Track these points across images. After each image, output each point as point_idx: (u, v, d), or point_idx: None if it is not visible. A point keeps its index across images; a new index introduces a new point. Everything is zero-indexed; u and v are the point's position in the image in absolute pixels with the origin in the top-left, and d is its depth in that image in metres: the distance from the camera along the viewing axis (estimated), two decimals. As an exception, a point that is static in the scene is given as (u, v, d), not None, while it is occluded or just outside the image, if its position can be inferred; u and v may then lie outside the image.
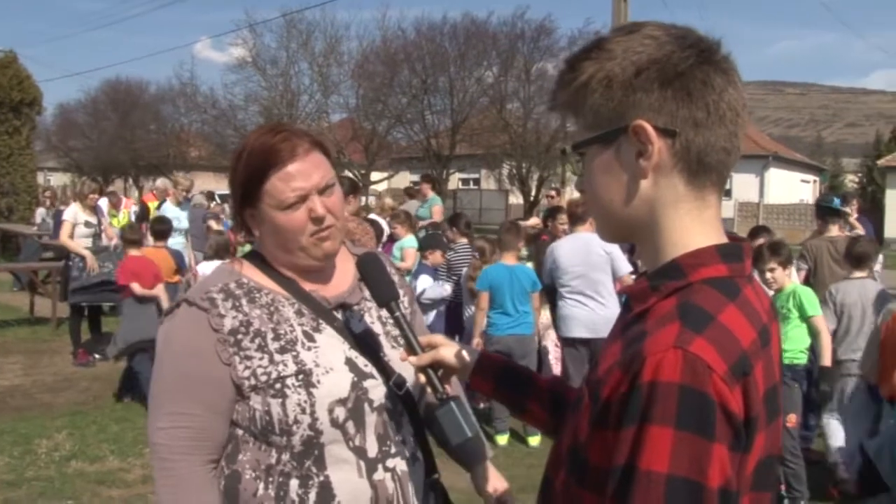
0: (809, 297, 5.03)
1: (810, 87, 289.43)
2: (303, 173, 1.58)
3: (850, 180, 53.94)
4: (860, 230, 8.21)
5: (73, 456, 5.60)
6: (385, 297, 1.61)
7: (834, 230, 7.05)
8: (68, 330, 8.69)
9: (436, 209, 10.33)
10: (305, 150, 1.60)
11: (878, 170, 35.15)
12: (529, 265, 6.87)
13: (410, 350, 1.54)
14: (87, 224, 8.59)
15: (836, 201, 7.28)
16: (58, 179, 43.48)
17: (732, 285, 1.05)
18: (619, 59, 1.05)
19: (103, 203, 12.06)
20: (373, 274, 1.65)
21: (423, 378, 1.53)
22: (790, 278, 5.18)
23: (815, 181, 43.80)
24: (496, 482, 1.85)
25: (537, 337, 6.65)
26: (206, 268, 7.18)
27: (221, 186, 26.26)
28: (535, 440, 6.04)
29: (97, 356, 8.44)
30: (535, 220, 10.15)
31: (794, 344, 4.96)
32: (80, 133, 39.86)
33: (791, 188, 37.90)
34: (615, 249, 5.84)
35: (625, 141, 1.06)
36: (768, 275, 4.97)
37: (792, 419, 4.80)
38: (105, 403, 6.97)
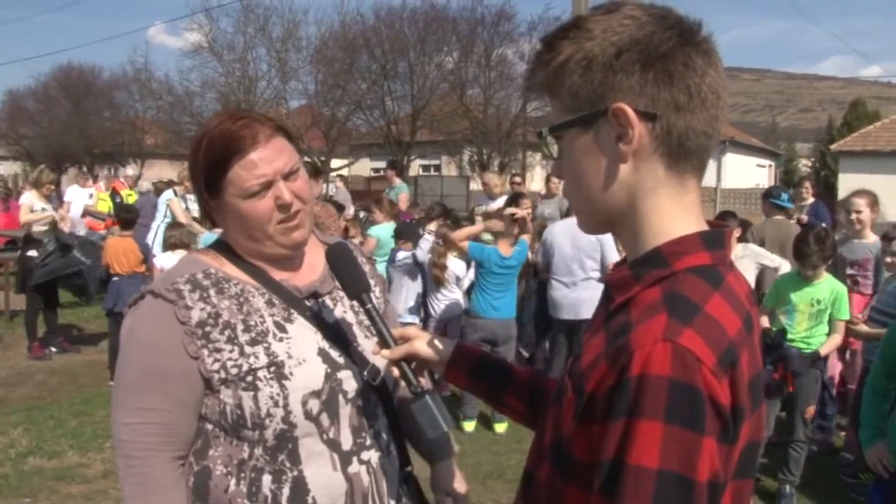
0: (847, 303, 4.89)
1: (765, 73, 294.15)
2: (265, 160, 1.52)
3: (804, 165, 54.91)
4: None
5: (29, 452, 5.46)
6: (355, 289, 1.56)
7: (780, 214, 7.27)
8: (23, 322, 8.49)
9: (402, 197, 10.29)
10: (267, 136, 1.54)
11: (830, 154, 35.80)
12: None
13: (383, 343, 1.50)
14: (44, 211, 8.42)
15: (785, 197, 7.45)
16: (7, 168, 42.51)
17: (716, 274, 1.03)
18: (598, 40, 1.02)
19: (72, 191, 11.89)
20: (342, 265, 1.59)
21: (396, 372, 1.49)
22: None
23: (770, 166, 44.57)
24: (460, 483, 1.87)
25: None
26: (164, 260, 7.07)
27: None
28: (501, 427, 6.06)
29: (53, 349, 8.27)
30: (495, 205, 10.09)
31: (821, 337, 4.88)
32: (31, 120, 38.95)
33: (747, 173, 38.50)
34: (606, 236, 5.92)
35: (604, 124, 1.03)
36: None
37: (810, 411, 4.85)
38: (62, 397, 6.80)
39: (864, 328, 5.00)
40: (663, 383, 0.90)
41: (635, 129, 1.01)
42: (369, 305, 1.53)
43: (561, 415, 1.05)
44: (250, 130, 1.53)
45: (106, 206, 11.52)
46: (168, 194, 9.28)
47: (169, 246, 7.21)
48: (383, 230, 7.49)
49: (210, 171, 1.53)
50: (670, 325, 0.93)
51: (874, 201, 5.63)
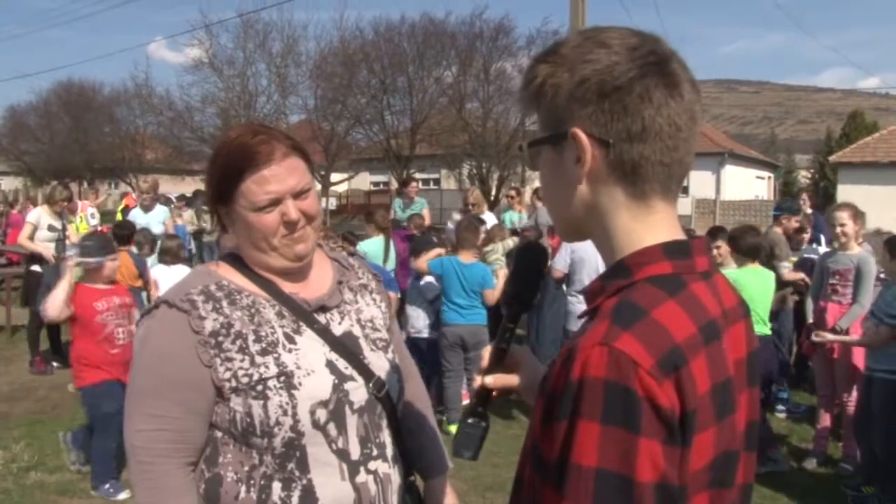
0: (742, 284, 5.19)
1: (763, 86, 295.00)
2: (277, 177, 1.57)
3: (803, 176, 55.08)
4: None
5: (31, 467, 5.47)
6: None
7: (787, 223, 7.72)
8: (26, 337, 8.49)
9: (426, 212, 10.33)
10: (283, 154, 1.59)
11: (829, 166, 35.88)
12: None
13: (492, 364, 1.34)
14: (51, 228, 8.40)
15: (775, 212, 8.17)
16: (9, 184, 42.62)
17: (676, 282, 1.06)
18: (567, 66, 1.07)
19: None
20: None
21: (481, 388, 1.35)
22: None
23: (769, 177, 44.65)
24: (451, 500, 1.91)
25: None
26: (160, 272, 7.11)
27: (179, 189, 25.93)
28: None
29: (55, 364, 8.27)
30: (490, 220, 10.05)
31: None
32: (32, 136, 39.16)
33: (746, 185, 38.57)
34: None
35: (567, 146, 1.09)
36: (714, 251, 5.55)
37: None
38: (64, 412, 6.82)
39: (855, 337, 5.07)
40: (599, 384, 0.94)
41: (587, 153, 1.06)
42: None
43: (534, 417, 1.09)
44: (267, 147, 1.58)
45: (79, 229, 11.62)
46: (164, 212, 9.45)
47: (162, 259, 7.26)
48: (372, 244, 7.57)
49: (224, 179, 1.59)
50: (610, 330, 0.98)
51: (857, 213, 5.69)
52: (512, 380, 1.36)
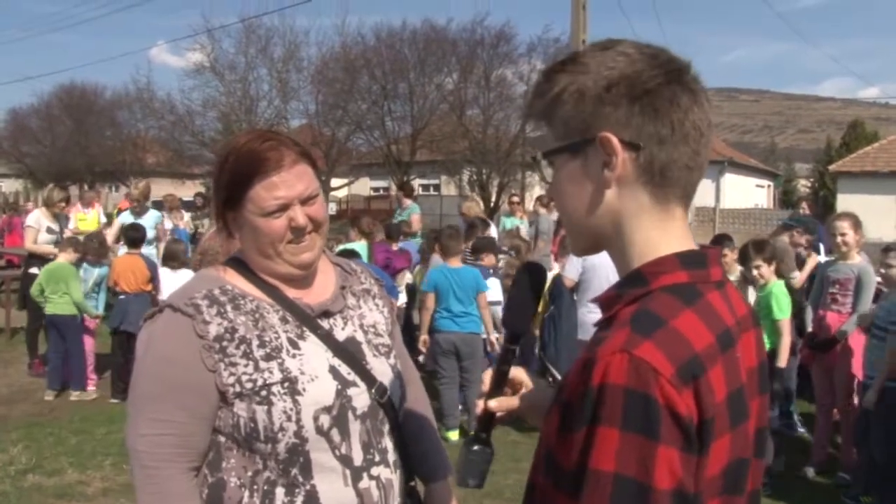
0: (781, 300, 5.26)
1: (764, 94, 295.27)
2: (286, 183, 1.58)
3: (803, 185, 55.14)
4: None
5: (29, 469, 5.48)
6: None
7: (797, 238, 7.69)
8: (24, 340, 8.49)
9: (414, 218, 10.31)
10: (292, 161, 1.61)
11: (829, 175, 35.92)
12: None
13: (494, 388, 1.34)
14: (49, 230, 8.43)
15: (789, 221, 8.32)
16: (9, 186, 42.70)
17: (693, 291, 1.07)
18: (591, 73, 1.09)
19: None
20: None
21: (484, 413, 1.35)
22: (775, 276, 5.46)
23: (769, 186, 44.68)
24: None
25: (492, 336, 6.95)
26: (165, 277, 7.09)
27: (179, 193, 25.92)
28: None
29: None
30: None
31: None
32: (33, 138, 39.27)
33: (746, 193, 38.58)
34: None
35: (592, 152, 1.09)
36: (755, 272, 5.30)
37: None
38: (62, 415, 6.82)
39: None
40: (619, 392, 0.95)
41: (619, 156, 1.07)
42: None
43: (549, 425, 1.09)
44: (276, 153, 1.59)
45: (90, 224, 11.51)
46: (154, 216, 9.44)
47: (167, 263, 7.24)
48: (356, 247, 7.61)
49: (233, 185, 1.60)
50: (630, 337, 0.98)
51: (857, 222, 5.68)
52: (514, 402, 1.36)
